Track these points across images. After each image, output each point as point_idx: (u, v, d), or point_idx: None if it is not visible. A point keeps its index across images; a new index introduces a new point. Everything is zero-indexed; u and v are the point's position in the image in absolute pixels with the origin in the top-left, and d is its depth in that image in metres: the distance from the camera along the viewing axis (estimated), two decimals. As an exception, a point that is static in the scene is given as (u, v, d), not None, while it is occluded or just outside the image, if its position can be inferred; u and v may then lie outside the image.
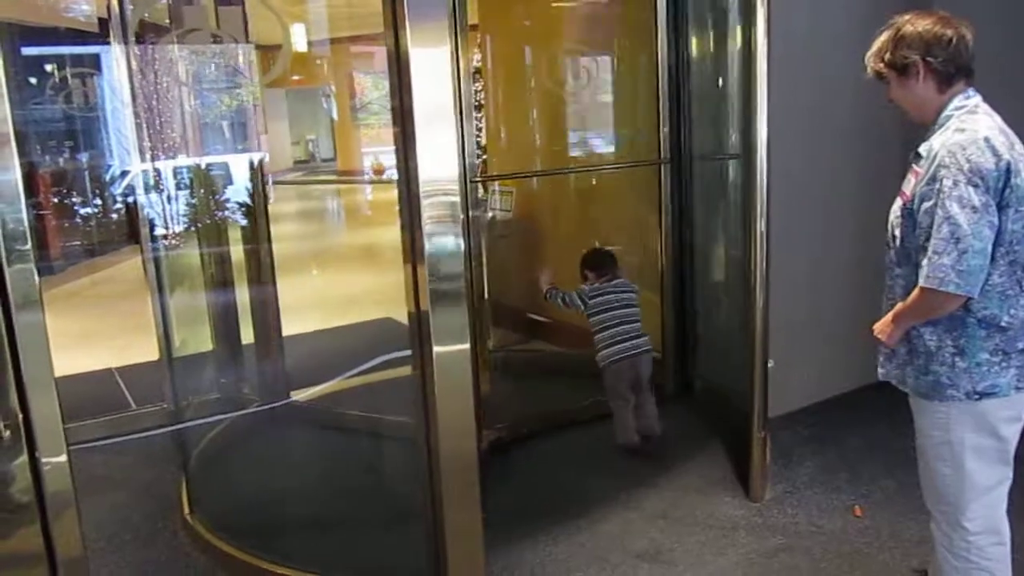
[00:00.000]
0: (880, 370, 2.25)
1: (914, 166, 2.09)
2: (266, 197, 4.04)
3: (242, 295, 4.05)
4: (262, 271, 4.04)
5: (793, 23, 3.52)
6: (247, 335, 4.12)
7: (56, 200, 8.83)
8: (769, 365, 3.28)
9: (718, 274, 4.27)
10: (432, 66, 1.94)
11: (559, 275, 4.08)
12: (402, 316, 2.25)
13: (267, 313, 4.11)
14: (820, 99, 3.85)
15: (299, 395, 4.19)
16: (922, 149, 2.06)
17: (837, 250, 4.13)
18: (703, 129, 4.13)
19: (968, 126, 1.98)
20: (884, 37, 2.11)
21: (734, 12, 3.67)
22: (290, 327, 4.39)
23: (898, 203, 2.13)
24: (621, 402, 3.76)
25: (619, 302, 3.77)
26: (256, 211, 4.07)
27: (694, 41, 4.09)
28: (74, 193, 9.08)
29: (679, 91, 4.12)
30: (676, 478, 3.53)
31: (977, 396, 2.04)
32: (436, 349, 2.05)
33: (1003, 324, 2.00)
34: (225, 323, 4.06)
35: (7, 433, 1.64)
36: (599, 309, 3.76)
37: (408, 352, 2.22)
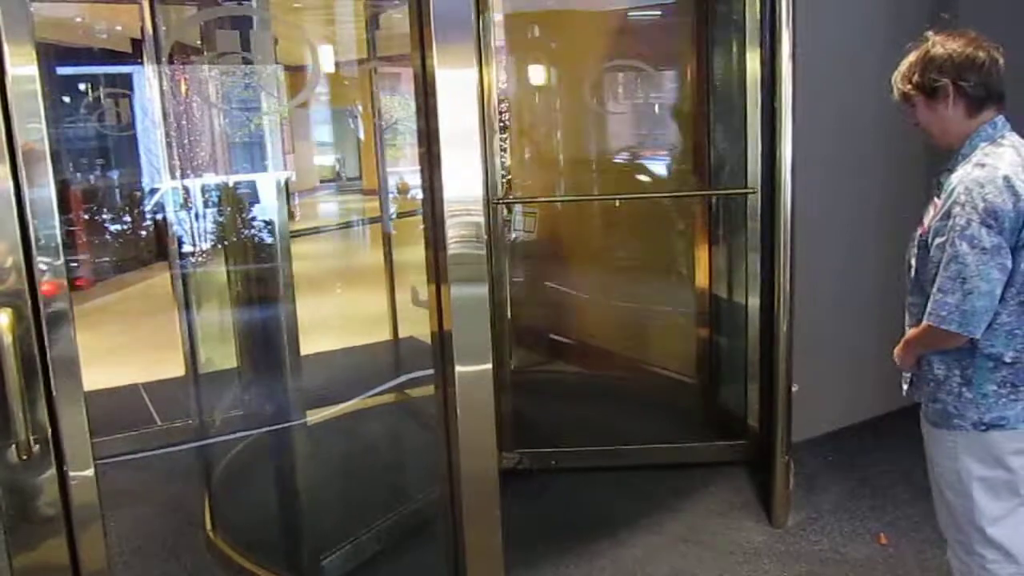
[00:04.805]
0: (914, 393, 2.22)
1: (935, 197, 2.07)
2: (291, 215, 4.07)
3: (264, 313, 4.08)
4: (282, 289, 4.08)
5: (816, 44, 3.52)
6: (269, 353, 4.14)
7: (87, 216, 8.97)
8: (793, 390, 3.26)
9: (743, 297, 4.24)
10: (458, 88, 1.96)
11: (584, 297, 4.08)
12: (425, 335, 2.26)
13: (287, 331, 4.14)
14: (844, 122, 3.83)
15: (317, 415, 4.20)
16: (943, 180, 2.03)
17: (863, 274, 4.09)
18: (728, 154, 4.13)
19: (989, 161, 1.94)
20: (912, 58, 2.06)
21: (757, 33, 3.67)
22: (314, 345, 4.40)
23: (916, 232, 2.12)
24: None
25: None
26: (279, 229, 4.11)
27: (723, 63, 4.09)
28: (105, 210, 9.22)
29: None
30: (699, 502, 3.50)
31: (984, 427, 2.02)
32: (458, 369, 2.05)
33: (1007, 360, 1.98)
34: (248, 340, 4.08)
35: (36, 447, 1.66)
36: None
37: (430, 372, 2.23)
